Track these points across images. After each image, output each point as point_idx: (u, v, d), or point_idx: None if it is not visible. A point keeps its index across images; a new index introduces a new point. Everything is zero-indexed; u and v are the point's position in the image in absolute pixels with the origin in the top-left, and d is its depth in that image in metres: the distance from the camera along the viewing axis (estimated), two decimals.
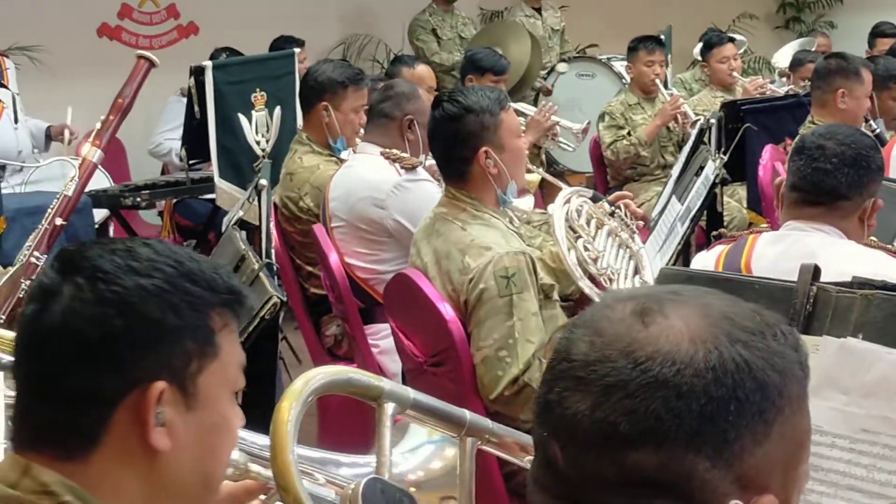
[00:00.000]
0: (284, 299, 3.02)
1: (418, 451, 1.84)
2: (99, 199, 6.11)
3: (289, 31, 7.59)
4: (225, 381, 1.45)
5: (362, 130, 4.63)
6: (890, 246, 2.86)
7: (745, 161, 5.45)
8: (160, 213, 7.06)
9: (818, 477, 1.94)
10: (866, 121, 5.16)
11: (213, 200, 5.96)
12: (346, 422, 4.06)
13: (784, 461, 1.12)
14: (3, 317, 3.19)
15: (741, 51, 8.21)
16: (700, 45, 7.90)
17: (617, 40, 8.30)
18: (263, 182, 3.90)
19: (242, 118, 5.40)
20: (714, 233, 3.22)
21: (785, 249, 2.82)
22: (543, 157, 7.03)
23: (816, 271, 2.11)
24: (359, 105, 4.72)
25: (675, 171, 4.87)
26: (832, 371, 1.96)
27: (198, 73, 5.55)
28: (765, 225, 4.54)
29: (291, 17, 8.36)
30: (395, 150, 4.20)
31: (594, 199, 3.66)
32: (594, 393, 1.08)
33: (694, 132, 5.22)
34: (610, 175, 6.94)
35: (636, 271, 3.60)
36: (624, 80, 7.73)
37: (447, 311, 3.22)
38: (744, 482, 1.08)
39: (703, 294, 1.15)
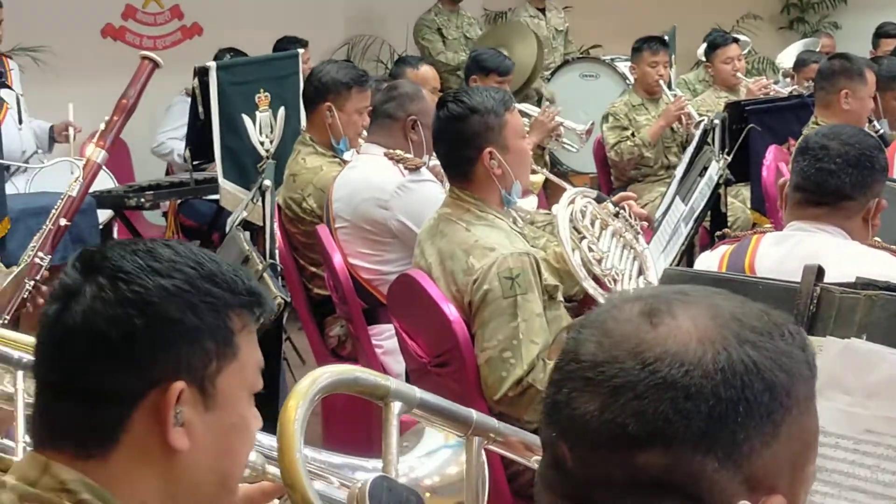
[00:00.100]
0: (288, 300, 3.03)
1: (434, 455, 1.83)
2: (103, 199, 6.10)
3: (293, 31, 7.58)
4: (243, 383, 1.45)
5: (365, 132, 4.63)
6: (894, 246, 2.86)
7: (748, 161, 5.45)
8: (164, 214, 7.06)
9: (822, 478, 1.93)
10: (870, 121, 5.16)
11: (216, 201, 5.97)
12: (350, 422, 4.06)
13: (792, 461, 1.12)
14: (8, 317, 3.19)
15: (745, 51, 8.20)
16: (704, 45, 7.91)
17: (621, 41, 8.29)
18: (267, 183, 3.91)
19: (246, 119, 5.41)
20: (718, 233, 3.21)
21: (789, 250, 2.82)
22: (547, 157, 7.01)
23: (820, 272, 2.11)
24: (362, 106, 4.72)
25: (679, 172, 4.87)
26: (836, 372, 1.96)
27: (202, 73, 5.55)
28: (768, 225, 4.55)
29: (295, 17, 8.36)
30: (398, 151, 4.20)
31: (598, 200, 3.66)
32: (603, 394, 1.09)
33: (698, 133, 5.22)
34: (614, 176, 6.93)
35: (640, 272, 3.59)
36: (628, 81, 7.71)
37: (451, 311, 3.22)
38: (752, 483, 1.08)
39: (711, 294, 1.15)
